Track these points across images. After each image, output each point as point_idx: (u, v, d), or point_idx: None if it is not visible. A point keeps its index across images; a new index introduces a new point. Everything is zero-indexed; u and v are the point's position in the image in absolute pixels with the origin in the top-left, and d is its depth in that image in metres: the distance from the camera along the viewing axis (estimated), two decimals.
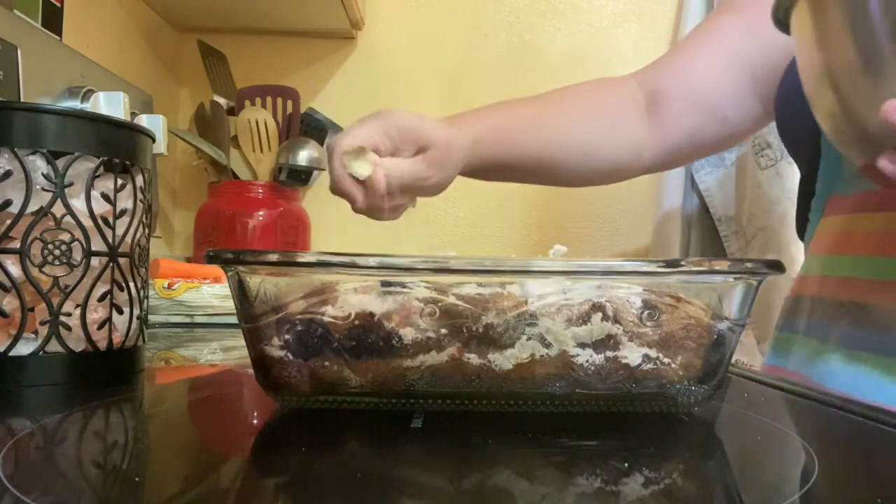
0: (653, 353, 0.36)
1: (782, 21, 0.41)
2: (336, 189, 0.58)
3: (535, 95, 0.72)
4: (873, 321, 0.54)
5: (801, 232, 0.68)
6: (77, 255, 0.44)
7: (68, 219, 0.44)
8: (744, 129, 0.74)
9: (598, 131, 0.71)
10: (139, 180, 0.48)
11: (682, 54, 0.74)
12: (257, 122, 1.13)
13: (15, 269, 0.42)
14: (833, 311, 0.58)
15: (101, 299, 0.45)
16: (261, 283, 0.36)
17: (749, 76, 0.69)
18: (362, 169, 0.57)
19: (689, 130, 0.72)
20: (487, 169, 0.67)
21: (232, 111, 1.16)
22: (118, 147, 0.46)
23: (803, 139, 0.64)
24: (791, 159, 1.02)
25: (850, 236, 0.58)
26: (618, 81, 0.75)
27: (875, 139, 0.37)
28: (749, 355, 1.09)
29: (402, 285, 0.36)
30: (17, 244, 0.42)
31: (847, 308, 0.56)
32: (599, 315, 0.36)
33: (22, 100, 0.73)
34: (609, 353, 0.36)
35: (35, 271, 0.43)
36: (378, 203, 0.59)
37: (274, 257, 0.35)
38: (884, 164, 0.37)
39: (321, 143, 1.19)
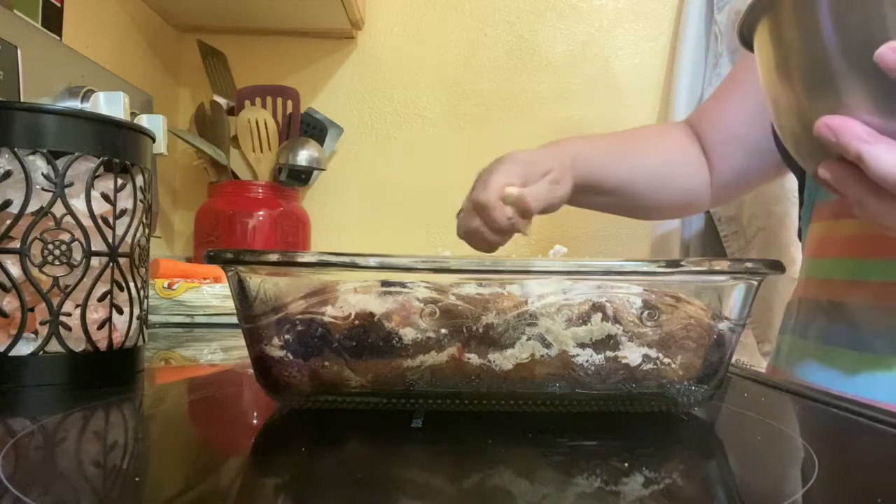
0: (653, 353, 0.36)
1: (747, 39, 0.43)
2: (501, 230, 0.66)
3: (615, 133, 0.82)
4: (846, 318, 0.58)
5: (801, 237, 0.71)
6: (77, 255, 0.44)
7: (68, 219, 0.44)
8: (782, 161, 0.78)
9: (672, 166, 0.78)
10: (139, 180, 0.48)
11: (716, 105, 0.81)
12: (257, 122, 1.13)
13: (15, 269, 0.42)
14: (813, 310, 0.63)
15: (101, 299, 0.45)
16: (261, 283, 0.36)
17: None
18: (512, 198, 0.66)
19: (737, 169, 0.78)
20: (582, 189, 0.74)
21: (232, 111, 1.16)
22: (118, 147, 0.46)
23: None
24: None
25: (828, 240, 0.63)
26: (675, 124, 0.83)
27: (822, 148, 0.39)
28: (749, 355, 1.09)
29: (402, 285, 0.36)
30: (17, 244, 0.42)
31: (824, 307, 0.61)
32: (599, 315, 0.36)
33: (22, 100, 0.73)
34: (609, 353, 0.36)
35: (35, 271, 0.43)
36: (519, 225, 0.67)
37: (274, 257, 0.35)
38: (821, 171, 0.40)
39: (321, 143, 1.19)
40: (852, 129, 0.36)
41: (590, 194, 0.76)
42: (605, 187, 0.76)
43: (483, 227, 0.66)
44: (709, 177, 0.79)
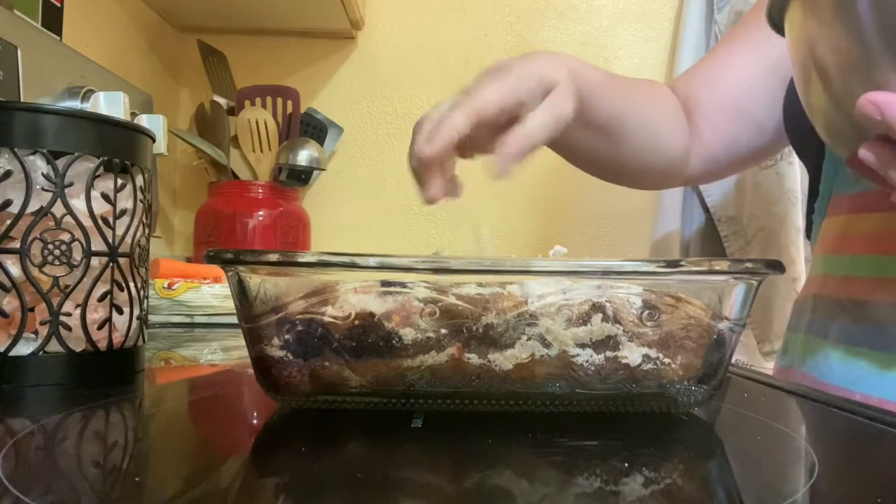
0: (653, 353, 0.36)
1: (776, 21, 0.42)
2: (438, 132, 0.52)
3: (605, 70, 0.68)
4: (870, 317, 0.55)
5: (809, 232, 0.69)
6: (77, 255, 0.44)
7: (68, 219, 0.44)
8: (778, 140, 0.72)
9: (659, 114, 0.69)
10: (139, 180, 0.48)
11: (712, 62, 0.72)
12: (257, 122, 1.13)
13: (15, 269, 0.42)
14: (833, 308, 0.59)
15: (101, 299, 0.45)
16: (261, 283, 0.36)
17: (779, 81, 0.68)
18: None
19: (726, 140, 0.70)
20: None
21: (232, 111, 1.15)
22: (118, 147, 0.46)
23: (809, 139, 0.64)
24: (791, 160, 1.02)
25: (848, 236, 0.59)
26: (661, 84, 0.74)
27: (858, 131, 0.38)
28: (749, 355, 1.09)
29: (402, 285, 0.36)
30: (17, 244, 0.42)
31: (845, 305, 0.58)
32: (599, 316, 0.36)
33: (22, 100, 0.73)
34: (609, 353, 0.36)
35: (35, 271, 0.43)
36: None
37: (274, 257, 0.35)
38: (863, 153, 0.38)
39: (321, 143, 1.19)
40: None
41: (574, 126, 0.61)
42: (593, 119, 0.63)
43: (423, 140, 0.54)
44: (689, 147, 0.70)
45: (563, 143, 0.65)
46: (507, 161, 0.51)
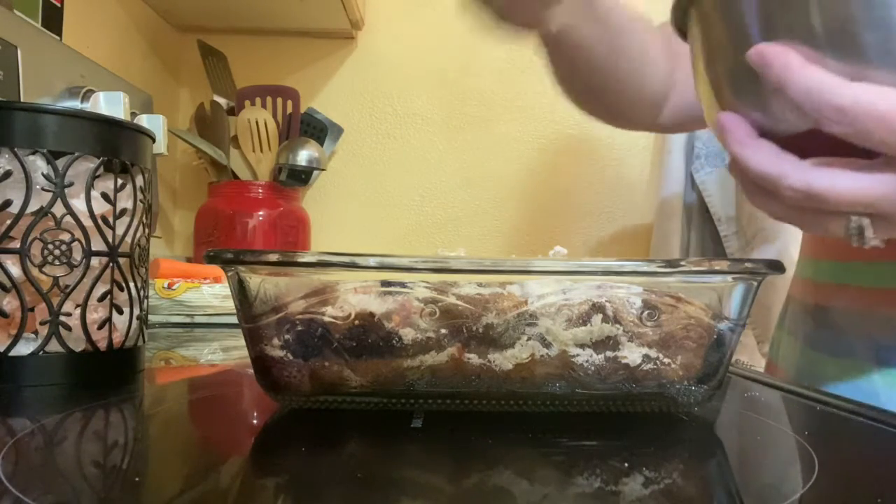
0: (653, 353, 0.36)
1: (681, 28, 0.43)
2: None
3: None
4: (830, 323, 0.57)
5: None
6: (77, 255, 0.44)
7: (68, 219, 0.44)
8: None
9: (646, 44, 0.69)
10: (139, 180, 0.48)
11: None
12: (257, 122, 1.13)
13: (15, 269, 0.42)
14: (801, 311, 0.62)
15: (101, 299, 0.45)
16: (261, 283, 0.36)
17: None
18: None
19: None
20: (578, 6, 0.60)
21: (232, 111, 1.16)
22: (118, 147, 0.46)
23: None
24: None
25: (814, 241, 0.62)
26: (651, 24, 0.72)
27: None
28: (749, 355, 1.09)
29: (402, 285, 0.36)
30: (17, 244, 0.42)
31: (810, 310, 0.60)
32: (599, 316, 0.36)
33: (22, 100, 0.73)
34: (609, 353, 0.36)
35: (35, 271, 0.43)
36: None
37: (274, 257, 0.35)
38: (728, 165, 0.40)
39: (321, 143, 1.19)
40: (734, 130, 0.37)
41: (584, 15, 0.62)
42: (598, 11, 0.62)
43: None
44: (669, 87, 0.69)
45: (569, 41, 0.63)
46: None
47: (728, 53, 0.37)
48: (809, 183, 0.34)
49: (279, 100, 1.16)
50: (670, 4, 0.42)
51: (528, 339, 0.35)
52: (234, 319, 0.39)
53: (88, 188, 0.44)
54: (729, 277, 0.37)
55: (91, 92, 0.80)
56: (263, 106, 1.15)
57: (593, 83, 0.69)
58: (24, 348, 0.43)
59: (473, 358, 0.36)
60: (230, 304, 0.64)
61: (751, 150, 0.36)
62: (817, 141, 0.35)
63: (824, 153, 0.35)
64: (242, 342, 0.39)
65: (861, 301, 0.55)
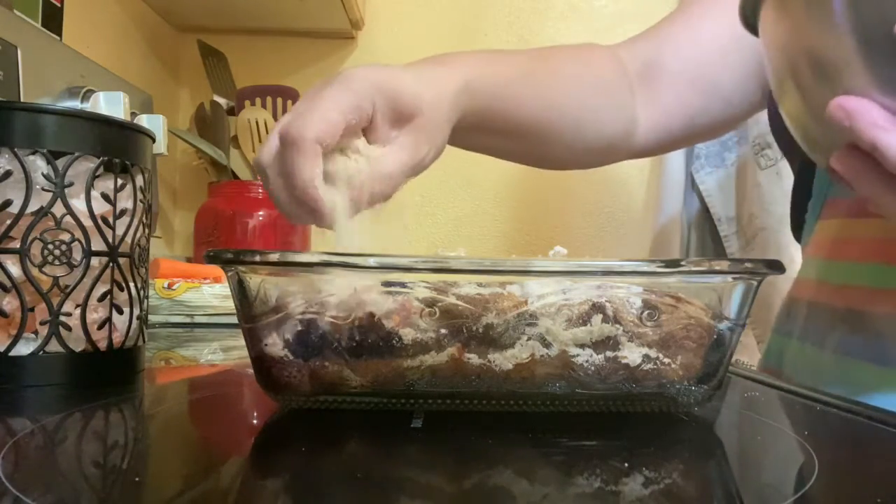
0: (653, 353, 0.36)
1: (750, 22, 0.40)
2: (305, 197, 0.42)
3: (518, 51, 0.61)
4: (869, 329, 0.52)
5: (798, 233, 0.67)
6: (77, 255, 0.44)
7: (68, 219, 0.44)
8: (743, 112, 0.66)
9: (589, 97, 0.60)
10: (139, 180, 0.48)
11: (679, 25, 0.64)
12: (257, 122, 1.13)
13: (15, 269, 0.42)
14: (830, 317, 0.56)
15: (101, 299, 0.45)
16: (261, 283, 0.36)
17: (753, 52, 0.60)
18: (340, 186, 0.42)
19: (691, 112, 0.63)
20: (469, 127, 0.53)
21: (232, 111, 1.15)
22: (118, 147, 0.46)
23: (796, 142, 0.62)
24: None
25: (846, 241, 0.56)
26: (605, 48, 0.65)
27: (833, 138, 0.36)
28: (749, 355, 1.09)
29: (402, 285, 0.36)
30: (17, 244, 0.42)
31: (843, 315, 0.55)
32: (600, 317, 0.35)
33: (22, 100, 0.73)
34: (609, 353, 0.36)
35: (35, 271, 0.43)
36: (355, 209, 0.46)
37: (274, 257, 0.35)
38: (833, 163, 0.36)
39: None
40: (869, 114, 0.32)
41: (484, 134, 0.55)
42: (506, 128, 0.55)
43: (284, 195, 0.43)
44: (641, 119, 0.62)
45: (472, 147, 0.58)
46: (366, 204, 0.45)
47: (840, 30, 0.33)
48: None
49: (279, 100, 1.16)
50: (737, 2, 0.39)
51: (528, 339, 0.35)
52: (234, 319, 0.39)
53: (88, 188, 0.44)
54: (729, 277, 0.37)
55: (91, 92, 0.80)
56: (263, 106, 1.15)
57: (528, 162, 0.65)
58: (24, 348, 0.43)
59: (473, 358, 0.36)
60: (230, 304, 0.64)
61: (894, 136, 0.31)
62: None
63: None
64: (242, 342, 0.39)
65: None
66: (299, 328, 0.36)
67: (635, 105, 0.63)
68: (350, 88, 0.43)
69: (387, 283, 0.36)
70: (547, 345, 0.36)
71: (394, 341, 0.35)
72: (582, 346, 0.36)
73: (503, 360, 0.36)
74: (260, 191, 1.13)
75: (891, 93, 0.32)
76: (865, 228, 0.55)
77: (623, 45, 0.66)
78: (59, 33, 0.85)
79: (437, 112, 0.47)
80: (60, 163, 0.43)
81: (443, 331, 0.35)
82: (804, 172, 0.63)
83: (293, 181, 0.40)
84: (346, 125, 0.41)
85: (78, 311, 0.44)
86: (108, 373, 0.46)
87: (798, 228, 0.66)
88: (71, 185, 0.44)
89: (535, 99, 0.56)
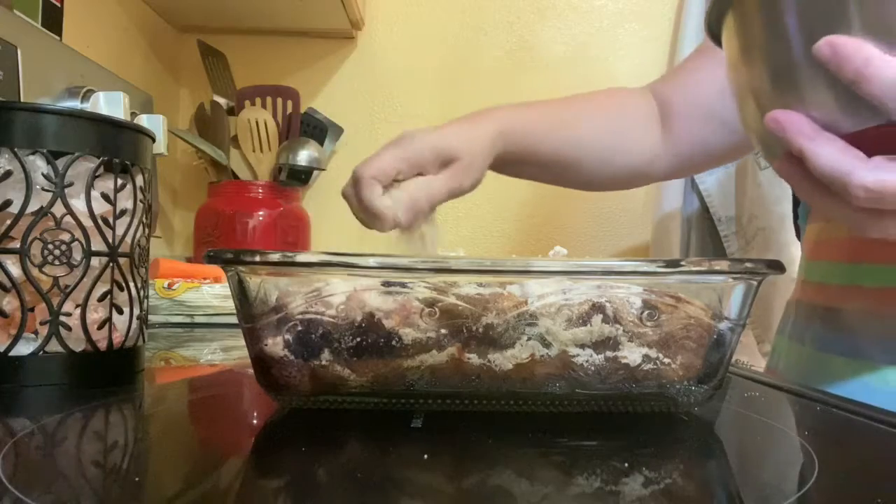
0: (653, 353, 0.36)
1: (715, 33, 0.43)
2: (369, 209, 0.58)
3: (551, 100, 0.73)
4: (842, 324, 0.57)
5: (799, 236, 0.71)
6: (77, 255, 0.44)
7: (68, 219, 0.44)
8: (749, 141, 0.73)
9: (615, 138, 0.72)
10: (139, 180, 0.48)
11: (686, 69, 0.75)
12: (257, 122, 1.13)
13: (15, 269, 0.42)
14: (809, 314, 0.61)
15: (101, 299, 0.45)
16: (261, 283, 0.36)
17: None
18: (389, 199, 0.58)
19: (700, 141, 0.72)
20: (509, 162, 0.67)
21: (232, 111, 1.16)
22: (118, 147, 0.46)
23: None
24: None
25: (823, 242, 0.61)
26: (633, 91, 0.76)
27: (776, 146, 0.38)
28: (749, 355, 1.09)
29: (402, 285, 0.36)
30: (17, 244, 0.42)
31: (819, 312, 0.60)
32: (600, 317, 0.35)
33: (22, 100, 0.73)
34: (609, 353, 0.36)
35: (35, 271, 0.43)
36: (409, 221, 0.60)
37: (274, 257, 0.35)
38: (776, 168, 0.39)
39: (321, 143, 1.19)
40: (796, 124, 0.35)
41: (518, 166, 0.69)
42: (536, 161, 0.68)
43: (359, 211, 0.60)
44: (662, 146, 0.73)
45: (513, 175, 0.72)
46: (406, 212, 0.58)
47: (779, 50, 0.36)
48: (883, 181, 0.33)
49: (279, 100, 1.16)
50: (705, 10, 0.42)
51: (528, 339, 0.35)
52: (234, 319, 0.39)
53: (88, 188, 0.44)
54: (729, 277, 0.37)
55: (91, 92, 0.80)
56: (263, 106, 1.15)
57: (560, 184, 0.77)
58: (24, 348, 0.43)
59: (473, 358, 0.36)
60: (230, 304, 0.64)
61: (818, 145, 0.35)
62: (872, 140, 0.34)
63: (880, 153, 0.34)
64: (242, 342, 0.39)
65: (874, 302, 0.54)
66: (299, 328, 0.36)
67: (658, 138, 0.73)
68: (403, 147, 0.59)
69: (387, 283, 0.36)
70: (547, 345, 0.36)
71: (394, 341, 0.35)
72: (582, 346, 0.36)
73: (503, 360, 0.36)
74: (260, 191, 1.13)
75: (816, 106, 0.35)
76: (837, 230, 0.59)
77: (649, 85, 0.77)
78: (59, 33, 0.85)
79: (473, 157, 0.62)
80: (60, 163, 0.43)
81: (443, 331, 0.35)
82: None
83: (359, 201, 0.58)
84: (397, 171, 0.58)
85: (78, 311, 0.44)
86: (108, 373, 0.46)
87: (798, 231, 0.70)
88: (71, 185, 0.44)
89: (558, 140, 0.69)
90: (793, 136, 0.35)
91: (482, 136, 0.64)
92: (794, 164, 0.37)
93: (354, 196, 0.59)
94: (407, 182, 0.59)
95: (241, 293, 0.37)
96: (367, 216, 0.60)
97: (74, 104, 0.79)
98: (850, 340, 0.56)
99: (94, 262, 0.45)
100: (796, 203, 0.70)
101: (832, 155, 0.34)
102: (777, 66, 0.37)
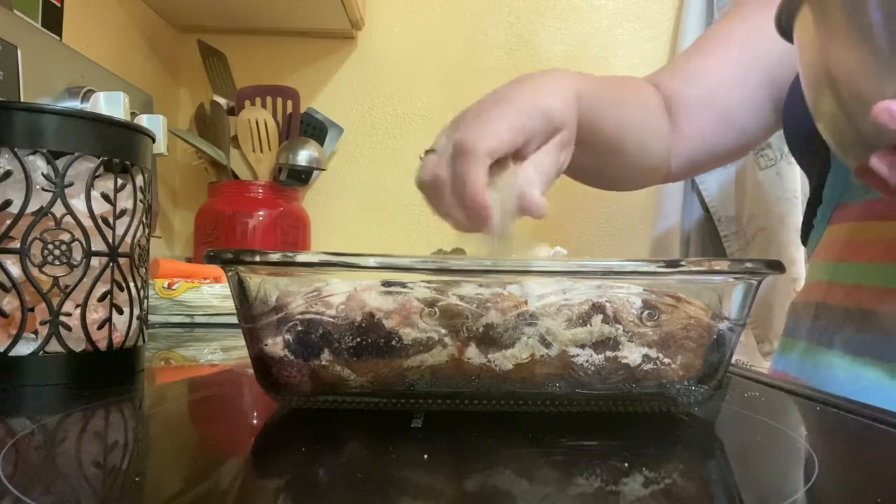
0: (653, 353, 0.36)
1: (785, 28, 0.42)
2: (471, 203, 0.45)
3: (598, 76, 0.65)
4: (878, 327, 0.54)
5: (805, 238, 0.69)
6: (77, 255, 0.44)
7: (68, 219, 0.44)
8: (758, 138, 0.72)
9: (649, 121, 0.67)
10: (139, 180, 0.48)
11: (694, 58, 0.70)
12: (257, 122, 1.13)
13: (15, 269, 0.42)
14: (839, 317, 0.58)
15: (101, 299, 0.45)
16: (261, 283, 0.36)
17: (765, 81, 0.67)
18: (508, 190, 0.44)
19: (709, 142, 0.69)
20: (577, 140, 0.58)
21: (232, 111, 1.16)
22: (118, 147, 0.46)
23: (810, 147, 0.63)
24: (791, 160, 1.02)
25: (856, 244, 0.58)
26: (643, 82, 0.71)
27: (869, 140, 0.38)
28: (749, 355, 1.09)
29: (403, 285, 0.36)
30: (17, 244, 0.42)
31: (853, 315, 0.56)
32: (600, 317, 0.35)
33: (22, 100, 0.73)
34: (609, 353, 0.36)
35: (35, 271, 0.43)
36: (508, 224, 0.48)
37: (274, 257, 0.35)
38: (874, 162, 0.38)
39: (321, 143, 1.19)
40: None
41: (577, 151, 0.59)
42: (595, 140, 0.60)
43: (453, 202, 0.47)
44: (671, 144, 0.69)
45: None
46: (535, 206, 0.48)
47: (876, 38, 0.35)
48: None
49: (279, 100, 1.16)
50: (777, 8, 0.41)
51: (528, 339, 0.35)
52: (234, 319, 0.39)
53: (88, 188, 0.44)
54: (729, 277, 0.37)
55: (91, 92, 0.80)
56: (263, 106, 1.15)
57: (593, 179, 0.71)
58: (24, 348, 0.43)
59: (473, 358, 0.36)
60: (230, 304, 0.64)
61: None
62: None
63: None
64: (242, 342, 0.39)
65: None
66: (299, 328, 0.36)
67: (669, 135, 0.69)
68: (516, 108, 0.47)
69: (387, 283, 0.36)
70: (547, 345, 0.36)
71: (394, 341, 0.35)
72: (582, 346, 0.36)
73: (503, 360, 0.36)
74: (260, 191, 1.13)
75: None
76: (876, 231, 0.57)
77: (651, 77, 0.71)
78: (59, 33, 0.85)
79: (573, 124, 0.52)
80: (60, 163, 0.43)
81: (443, 331, 0.35)
82: (818, 179, 0.66)
83: (464, 188, 0.44)
84: (514, 147, 0.46)
85: (78, 311, 0.44)
86: (108, 373, 0.46)
87: (806, 233, 0.68)
88: (71, 185, 0.44)
89: (614, 118, 0.61)
90: None
91: (571, 98, 0.52)
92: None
93: (455, 180, 0.45)
94: (514, 167, 0.47)
95: (241, 293, 0.37)
96: (469, 212, 0.46)
97: (74, 104, 0.79)
98: (887, 344, 0.53)
99: (94, 262, 0.45)
100: (811, 203, 0.68)
101: None
102: (869, 58, 0.35)
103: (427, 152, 0.49)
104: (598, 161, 0.64)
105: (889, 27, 0.34)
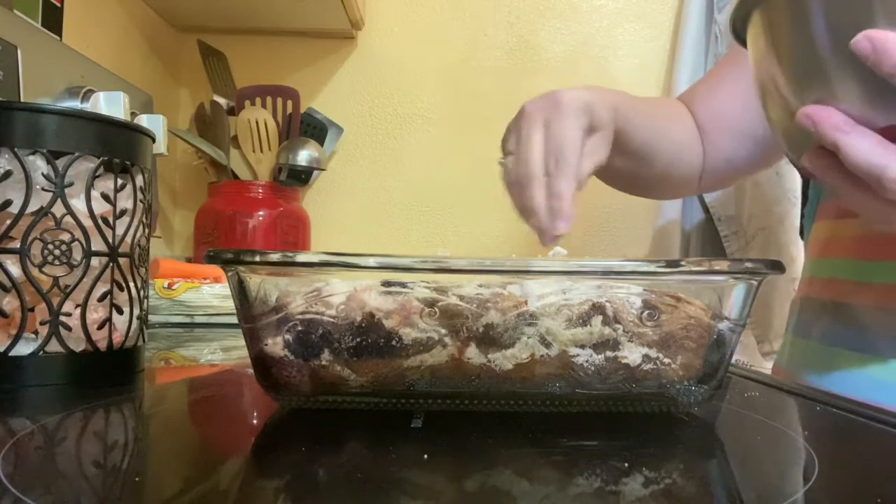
0: (653, 353, 0.36)
1: (738, 32, 0.43)
2: (558, 199, 0.53)
3: (633, 95, 0.72)
4: (851, 319, 0.57)
5: (803, 235, 0.71)
6: (77, 255, 0.44)
7: (68, 219, 0.44)
8: (776, 152, 0.74)
9: (688, 136, 0.72)
10: (139, 180, 0.48)
11: (708, 81, 0.76)
12: (257, 122, 1.13)
13: (15, 269, 0.42)
14: (816, 309, 0.62)
15: (101, 299, 0.45)
16: (261, 283, 0.36)
17: None
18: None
19: (726, 156, 0.73)
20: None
21: (232, 111, 1.15)
22: (118, 147, 0.46)
23: None
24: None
25: (834, 240, 0.62)
26: (676, 99, 0.77)
27: (803, 142, 0.40)
28: (749, 355, 1.09)
29: (403, 285, 0.36)
30: (17, 244, 0.42)
31: (828, 307, 0.60)
32: (600, 317, 0.35)
33: (22, 100, 0.73)
34: (609, 353, 0.36)
35: (35, 271, 0.43)
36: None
37: (274, 257, 0.35)
38: (804, 161, 0.40)
39: (321, 143, 1.19)
40: (830, 119, 0.36)
41: (613, 153, 0.66)
42: (629, 147, 0.65)
43: (542, 206, 0.54)
44: (700, 164, 0.74)
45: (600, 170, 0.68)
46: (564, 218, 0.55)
47: (808, 46, 0.36)
48: None
49: (279, 100, 1.16)
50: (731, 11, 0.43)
51: (528, 339, 0.35)
52: (234, 319, 0.39)
53: (88, 188, 0.44)
54: (729, 277, 0.37)
55: (91, 92, 0.80)
56: (263, 106, 1.15)
57: (629, 186, 0.77)
58: (24, 348, 0.43)
59: (473, 358, 0.36)
60: (230, 304, 0.64)
61: (854, 138, 0.35)
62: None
63: None
64: (242, 342, 0.39)
65: (883, 298, 0.55)
66: (299, 328, 0.36)
67: (703, 146, 0.74)
68: (576, 110, 0.55)
69: (387, 283, 0.36)
70: (547, 345, 0.36)
71: (394, 341, 0.35)
72: (582, 346, 0.36)
73: (503, 360, 0.36)
74: (260, 191, 1.13)
75: (856, 100, 0.36)
76: (848, 228, 0.60)
77: (681, 95, 0.77)
78: (59, 33, 0.85)
79: (611, 125, 0.60)
80: (60, 163, 0.43)
81: (443, 331, 0.35)
82: (806, 178, 0.69)
83: (561, 151, 0.52)
84: (588, 111, 0.54)
85: (78, 311, 0.44)
86: (108, 373, 0.46)
87: (802, 232, 0.71)
88: (71, 185, 0.44)
89: (649, 130, 0.68)
90: (827, 130, 0.36)
91: (611, 106, 0.60)
92: (824, 157, 0.38)
93: (548, 139, 0.52)
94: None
95: (241, 293, 0.37)
96: (559, 214, 0.53)
97: (74, 104, 0.79)
98: (858, 335, 0.56)
99: (94, 262, 0.45)
100: (803, 203, 0.71)
101: (867, 149, 0.35)
102: (807, 63, 0.37)
103: (504, 156, 0.57)
104: (633, 167, 0.70)
105: (829, 32, 0.35)
